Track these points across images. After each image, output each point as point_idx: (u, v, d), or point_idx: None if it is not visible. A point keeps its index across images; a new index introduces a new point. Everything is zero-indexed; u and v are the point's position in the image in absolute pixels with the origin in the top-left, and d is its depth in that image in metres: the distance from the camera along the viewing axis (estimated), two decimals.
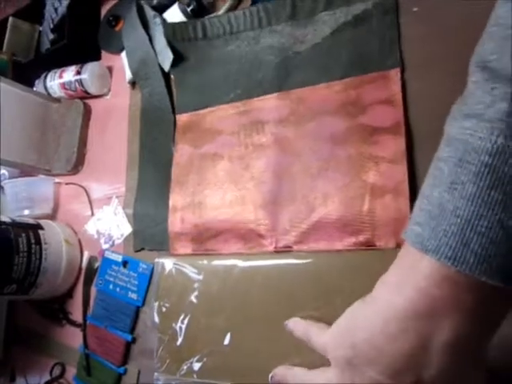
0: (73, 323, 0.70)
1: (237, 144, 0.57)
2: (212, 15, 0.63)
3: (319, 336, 0.37)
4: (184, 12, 0.65)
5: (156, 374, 0.54)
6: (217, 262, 0.54)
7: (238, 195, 0.55)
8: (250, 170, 0.55)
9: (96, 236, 0.71)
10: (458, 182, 0.25)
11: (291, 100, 0.55)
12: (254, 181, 0.54)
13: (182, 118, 0.63)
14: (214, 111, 0.60)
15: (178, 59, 0.64)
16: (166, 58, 0.64)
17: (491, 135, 0.24)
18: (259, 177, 0.54)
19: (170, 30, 0.64)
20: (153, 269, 0.60)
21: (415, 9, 0.49)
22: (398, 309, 0.28)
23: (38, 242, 0.66)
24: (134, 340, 0.61)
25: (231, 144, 0.58)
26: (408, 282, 0.27)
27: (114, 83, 0.78)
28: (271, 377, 0.42)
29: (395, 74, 0.48)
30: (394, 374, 0.28)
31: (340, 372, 0.32)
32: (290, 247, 0.50)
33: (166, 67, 0.65)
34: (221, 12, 0.63)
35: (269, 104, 0.56)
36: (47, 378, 0.70)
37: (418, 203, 0.29)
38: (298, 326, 0.42)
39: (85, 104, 0.79)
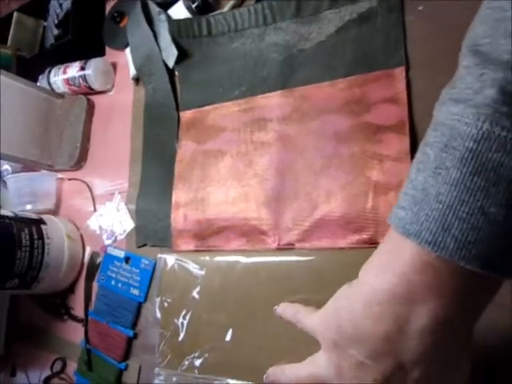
0: (74, 318, 0.70)
1: (240, 141, 0.57)
2: (217, 12, 0.64)
3: (307, 318, 0.37)
4: (189, 9, 0.65)
5: (157, 369, 0.54)
6: (219, 258, 0.54)
7: (242, 192, 0.55)
8: (253, 166, 0.55)
9: (98, 232, 0.71)
10: (442, 167, 0.25)
11: (295, 98, 0.54)
12: (257, 178, 0.54)
13: (186, 115, 0.63)
14: (217, 108, 0.60)
15: (183, 56, 0.64)
16: (171, 55, 0.64)
17: (477, 121, 0.24)
18: (262, 174, 0.54)
19: (175, 26, 0.64)
20: (155, 264, 0.61)
21: (420, 7, 0.49)
22: (378, 292, 0.28)
23: (41, 236, 0.67)
24: (135, 335, 0.61)
25: (235, 141, 0.58)
26: (389, 266, 0.28)
27: (117, 79, 0.78)
28: (265, 377, 0.42)
29: (400, 72, 0.48)
30: (375, 356, 0.29)
31: (327, 354, 0.32)
32: (292, 245, 0.50)
33: (171, 64, 0.65)
34: (225, 9, 0.63)
35: (272, 101, 0.56)
36: (48, 373, 0.71)
37: (404, 187, 0.29)
38: (286, 310, 0.42)
39: (88, 100, 0.79)
